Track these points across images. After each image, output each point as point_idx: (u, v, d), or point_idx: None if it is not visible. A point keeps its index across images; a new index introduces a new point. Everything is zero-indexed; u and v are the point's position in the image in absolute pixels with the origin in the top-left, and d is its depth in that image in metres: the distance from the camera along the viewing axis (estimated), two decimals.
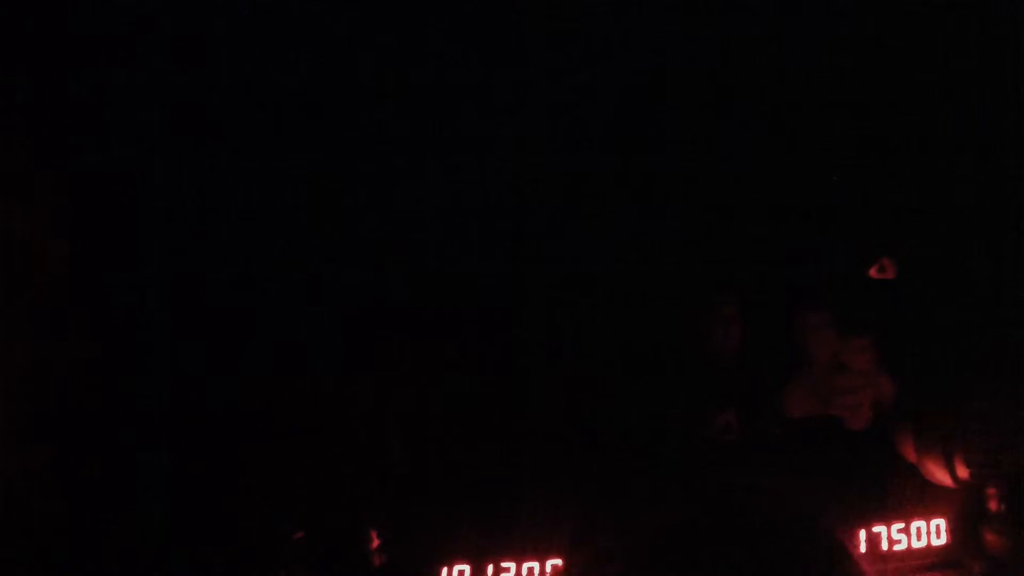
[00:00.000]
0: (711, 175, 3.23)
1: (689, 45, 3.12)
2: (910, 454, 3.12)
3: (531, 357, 3.30)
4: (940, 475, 3.04)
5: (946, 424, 3.03)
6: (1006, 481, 2.96)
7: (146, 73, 3.05)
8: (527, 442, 3.34)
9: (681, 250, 3.27)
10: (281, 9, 3.04)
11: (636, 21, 3.08)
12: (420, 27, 3.09)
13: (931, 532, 3.06)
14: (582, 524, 3.02)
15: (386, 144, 3.19)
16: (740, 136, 3.19)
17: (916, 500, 3.08)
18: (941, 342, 3.12)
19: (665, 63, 3.15)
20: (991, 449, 2.94)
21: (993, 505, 3.00)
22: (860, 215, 3.21)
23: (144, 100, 3.07)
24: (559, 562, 3.08)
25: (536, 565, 3.11)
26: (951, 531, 3.06)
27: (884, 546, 3.04)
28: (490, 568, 3.11)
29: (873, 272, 3.12)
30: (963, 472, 2.98)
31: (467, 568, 3.11)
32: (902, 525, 3.06)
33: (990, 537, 3.00)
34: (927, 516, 3.07)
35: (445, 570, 3.12)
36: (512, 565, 3.09)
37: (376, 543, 3.14)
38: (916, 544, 3.04)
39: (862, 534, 3.06)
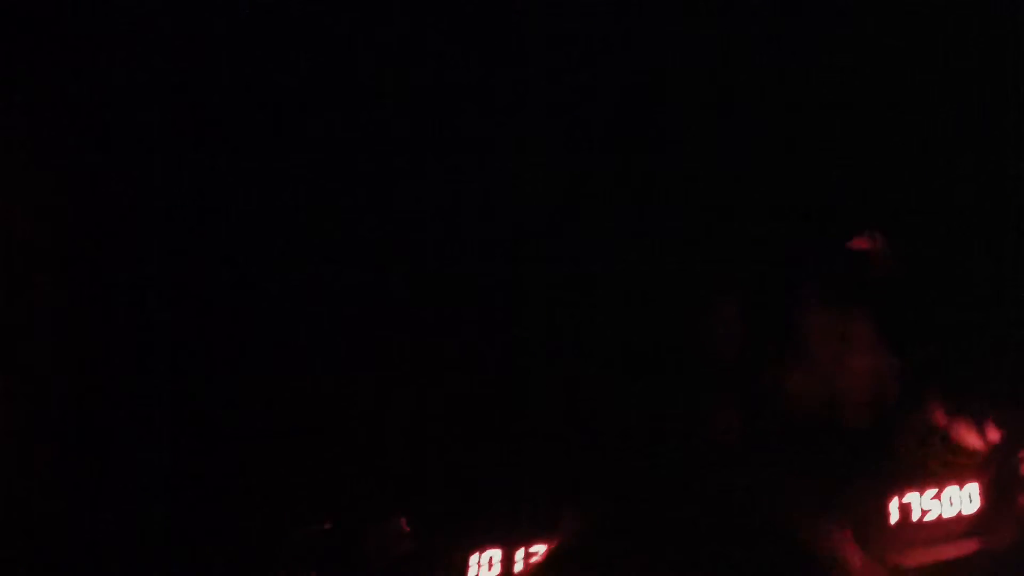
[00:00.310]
0: (711, 175, 3.23)
1: (689, 45, 3.12)
2: (940, 419, 3.11)
3: (531, 357, 3.30)
4: (971, 439, 3.02)
5: (977, 388, 3.02)
6: None
7: (146, 73, 3.05)
8: (527, 442, 3.34)
9: (681, 250, 3.26)
10: (281, 9, 3.04)
11: (636, 21, 3.08)
12: (420, 27, 3.09)
13: (963, 499, 3.00)
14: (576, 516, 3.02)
15: (386, 144, 3.19)
16: (740, 136, 3.19)
17: (946, 467, 3.05)
18: (969, 310, 3.11)
19: (665, 63, 3.15)
20: (1022, 411, 2.93)
21: None
22: (860, 214, 3.21)
23: (144, 100, 3.08)
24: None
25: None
26: (984, 496, 3.01)
27: (915, 515, 2.98)
28: (520, 552, 3.08)
29: (864, 243, 3.10)
30: (994, 435, 2.97)
31: (498, 552, 3.09)
32: (934, 492, 2.98)
33: None
34: (959, 482, 2.99)
35: (476, 554, 3.10)
36: (542, 547, 3.05)
37: (404, 532, 3.13)
38: (947, 512, 3.00)
39: (894, 502, 2.99)
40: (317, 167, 3.17)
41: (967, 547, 2.92)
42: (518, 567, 3.04)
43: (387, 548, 3.12)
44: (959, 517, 2.98)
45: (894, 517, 2.98)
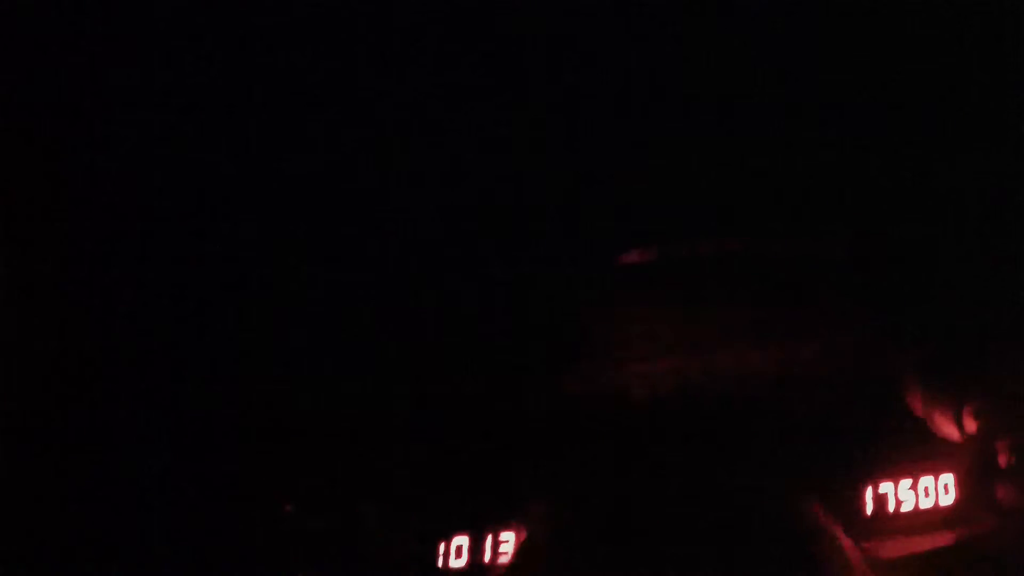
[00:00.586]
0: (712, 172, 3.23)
1: (689, 45, 3.12)
2: (917, 407, 3.09)
3: (530, 357, 3.30)
4: (948, 428, 3.00)
5: (955, 376, 2.99)
6: (1016, 434, 2.89)
7: (146, 73, 3.06)
8: (527, 442, 3.34)
9: (680, 250, 3.27)
10: (281, 9, 3.04)
11: (636, 21, 3.08)
12: (420, 27, 3.10)
13: (939, 490, 2.93)
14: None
15: (386, 144, 3.19)
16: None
17: (923, 456, 3.01)
18: (953, 297, 3.11)
19: (665, 63, 3.15)
20: (1000, 401, 2.90)
21: (1003, 460, 2.89)
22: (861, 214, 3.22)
23: (144, 100, 3.08)
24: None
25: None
26: (959, 488, 2.97)
27: (891, 505, 2.92)
28: (489, 538, 3.03)
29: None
30: (971, 425, 2.93)
31: (465, 539, 3.04)
32: (909, 483, 2.92)
33: (1003, 492, 2.91)
34: (935, 472, 2.94)
35: (443, 542, 3.06)
36: (511, 535, 3.02)
37: (371, 524, 3.12)
38: (924, 503, 2.95)
39: (868, 492, 2.94)
40: (317, 167, 3.18)
41: (943, 539, 2.88)
42: (487, 556, 3.01)
43: (352, 537, 3.10)
44: (935, 508, 2.94)
45: (869, 507, 2.93)
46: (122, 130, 3.10)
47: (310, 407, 3.28)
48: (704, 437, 3.20)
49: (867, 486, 2.95)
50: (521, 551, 2.95)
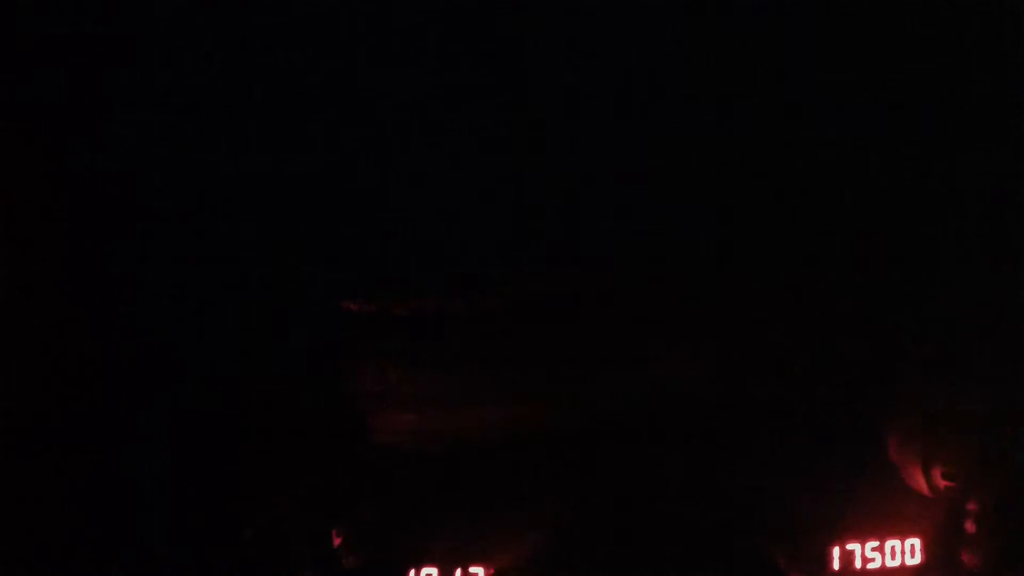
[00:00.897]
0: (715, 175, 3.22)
1: (689, 45, 3.11)
2: (893, 455, 3.12)
3: (528, 356, 3.30)
4: (918, 482, 3.04)
5: (928, 433, 3.03)
6: (985, 499, 2.92)
7: (146, 73, 3.06)
8: (527, 442, 3.34)
9: (681, 250, 3.26)
10: (281, 9, 3.04)
11: (636, 21, 3.08)
12: (420, 27, 3.09)
13: (905, 551, 3.01)
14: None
15: (386, 144, 3.19)
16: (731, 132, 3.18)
17: (893, 513, 3.07)
18: (934, 349, 3.13)
19: (665, 63, 3.14)
20: (970, 466, 2.94)
21: (970, 526, 2.93)
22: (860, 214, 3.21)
23: (144, 100, 3.08)
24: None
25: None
26: (925, 550, 3.02)
27: (858, 564, 3.00)
28: (458, 572, 3.13)
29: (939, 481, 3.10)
30: (939, 483, 2.97)
31: (435, 571, 3.13)
32: (876, 544, 3.01)
33: (968, 557, 2.95)
34: (902, 535, 3.01)
35: (413, 572, 3.15)
36: (480, 570, 3.10)
37: (339, 542, 3.17)
38: (890, 563, 3.02)
39: (835, 551, 3.02)
40: (317, 167, 3.17)
41: None
42: None
43: (322, 561, 3.16)
44: (902, 567, 3.00)
45: (836, 563, 3.01)
46: (122, 130, 3.10)
47: (310, 407, 3.28)
48: (704, 437, 3.20)
49: (834, 544, 3.03)
50: None
